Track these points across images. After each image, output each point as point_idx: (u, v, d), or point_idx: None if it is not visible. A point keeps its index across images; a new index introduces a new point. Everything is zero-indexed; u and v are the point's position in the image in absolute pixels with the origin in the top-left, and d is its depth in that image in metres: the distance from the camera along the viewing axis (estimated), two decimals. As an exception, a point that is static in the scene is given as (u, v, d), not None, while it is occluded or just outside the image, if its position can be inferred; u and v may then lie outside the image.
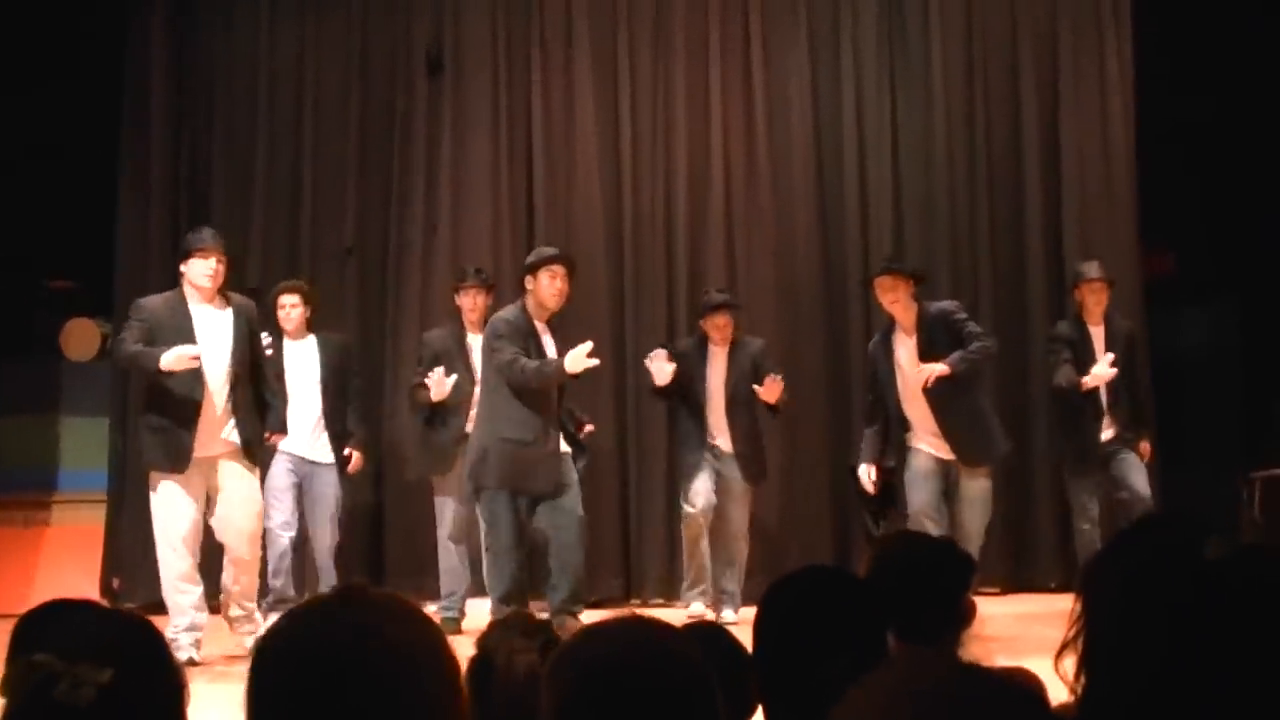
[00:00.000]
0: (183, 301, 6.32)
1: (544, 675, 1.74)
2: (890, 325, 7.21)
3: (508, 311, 6.72)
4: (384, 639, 1.51)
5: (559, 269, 6.62)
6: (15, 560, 8.36)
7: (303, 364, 7.51)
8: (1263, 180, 8.89)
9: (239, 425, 6.31)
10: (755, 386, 7.38)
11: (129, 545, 8.38)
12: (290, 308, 7.53)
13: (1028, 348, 8.70)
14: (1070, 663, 1.50)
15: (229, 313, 6.39)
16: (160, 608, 6.44)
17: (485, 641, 2.42)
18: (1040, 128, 8.89)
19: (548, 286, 6.58)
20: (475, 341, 7.37)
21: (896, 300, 7.06)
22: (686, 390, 7.50)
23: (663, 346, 7.58)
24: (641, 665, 1.67)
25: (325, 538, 7.48)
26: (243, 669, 1.59)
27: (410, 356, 8.54)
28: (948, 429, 6.94)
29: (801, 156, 8.89)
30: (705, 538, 7.42)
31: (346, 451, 7.54)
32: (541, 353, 6.58)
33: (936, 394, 6.88)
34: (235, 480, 6.30)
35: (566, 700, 1.68)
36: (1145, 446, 7.42)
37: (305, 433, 7.38)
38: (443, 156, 8.91)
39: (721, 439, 7.49)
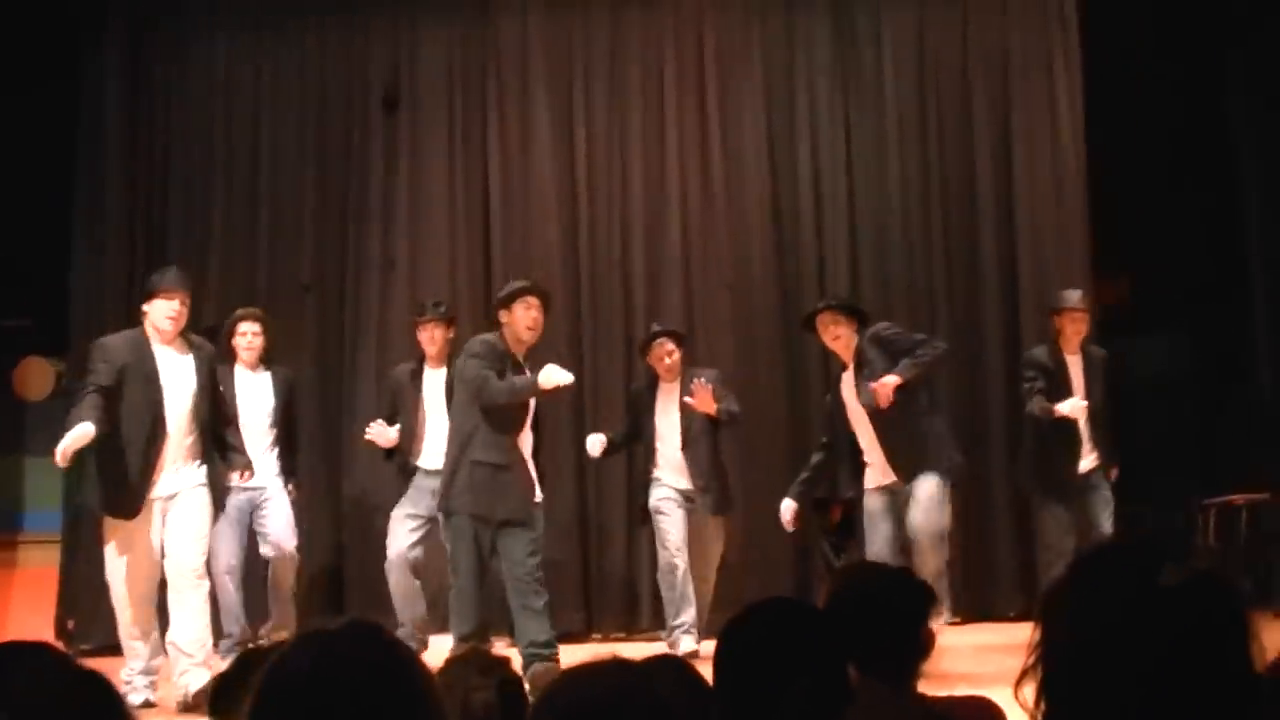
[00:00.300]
0: (146, 342, 6.19)
1: (530, 718, 1.75)
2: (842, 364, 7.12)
3: (487, 335, 6.64)
4: (397, 673, 1.53)
5: (533, 300, 6.56)
6: (-31, 602, 8.27)
7: (257, 396, 7.50)
8: (1215, 207, 9.01)
9: (201, 466, 6.21)
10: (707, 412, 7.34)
11: (84, 586, 8.27)
12: (252, 336, 7.52)
13: (984, 377, 8.76)
14: (1030, 690, 1.51)
15: (189, 356, 6.26)
16: (116, 649, 6.36)
17: (441, 678, 2.41)
18: (993, 158, 8.97)
19: (523, 317, 6.50)
20: (432, 376, 7.36)
21: (838, 337, 6.91)
22: (640, 434, 7.58)
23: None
24: (623, 711, 1.66)
25: (288, 541, 7.42)
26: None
27: (368, 392, 8.54)
28: (890, 450, 6.77)
29: (757, 192, 8.93)
30: (683, 573, 7.32)
31: (289, 486, 7.58)
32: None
33: (881, 416, 6.72)
34: (182, 513, 6.12)
35: None
36: (1114, 474, 7.38)
37: (255, 462, 7.08)
38: (399, 194, 8.91)
39: (680, 477, 7.46)
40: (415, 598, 7.30)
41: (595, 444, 7.59)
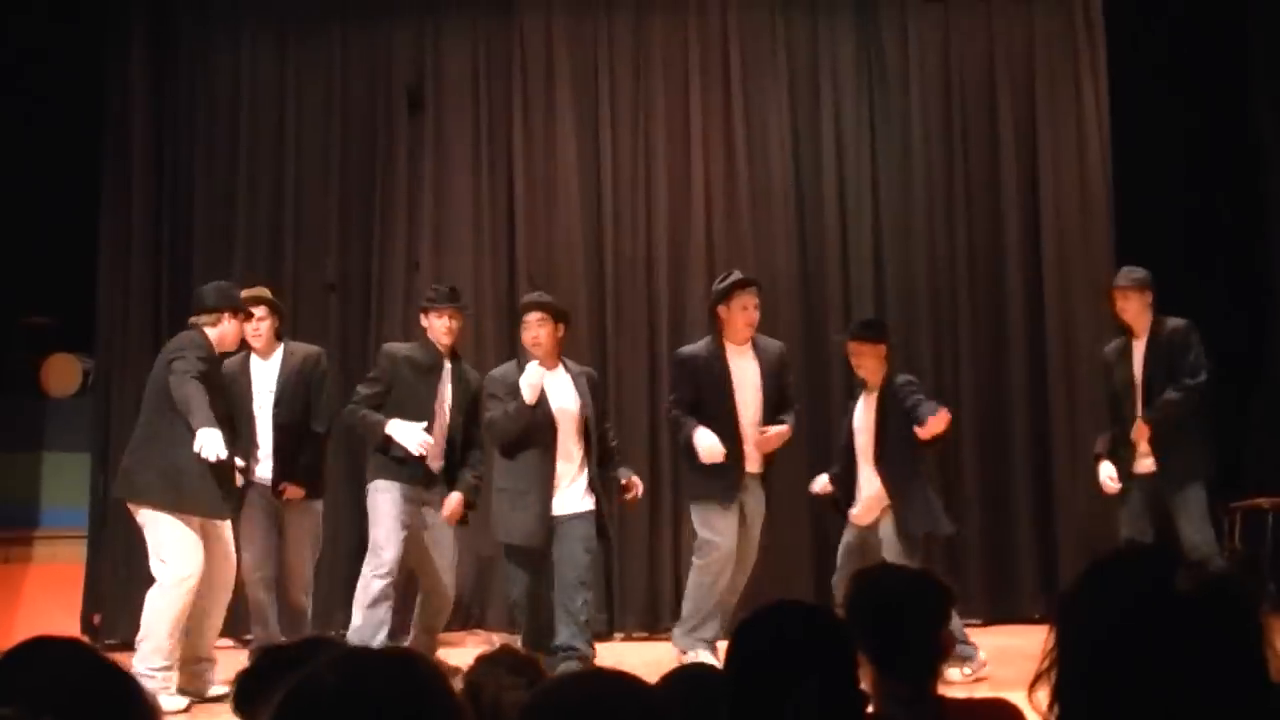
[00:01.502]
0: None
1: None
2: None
3: (496, 370, 7.00)
4: (426, 700, 1.54)
5: (529, 318, 6.80)
6: (-5, 597, 8.33)
7: (269, 381, 7.14)
8: (1238, 213, 8.96)
9: None
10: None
11: (110, 582, 8.34)
12: (257, 321, 7.03)
13: (1007, 379, 8.74)
14: (1044, 694, 1.52)
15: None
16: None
17: (473, 676, 2.43)
18: (1018, 160, 8.95)
19: (524, 336, 6.82)
20: (446, 373, 7.06)
21: (861, 365, 6.87)
22: (703, 407, 6.92)
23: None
24: (608, 716, 1.66)
25: (305, 561, 7.13)
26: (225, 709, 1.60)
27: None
28: (893, 499, 6.69)
29: (781, 192, 8.92)
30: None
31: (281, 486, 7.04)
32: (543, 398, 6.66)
33: (889, 454, 6.71)
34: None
35: None
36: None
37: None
38: (424, 193, 8.93)
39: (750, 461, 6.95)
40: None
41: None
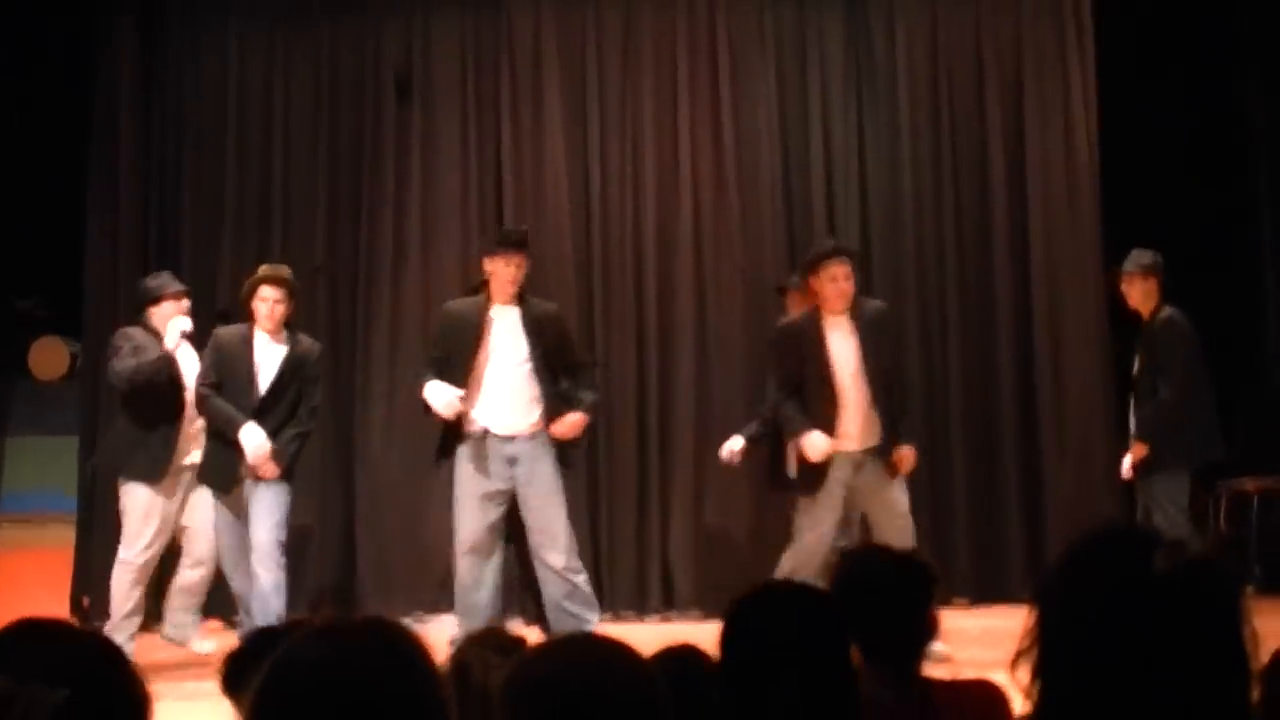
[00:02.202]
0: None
1: (498, 696, 1.75)
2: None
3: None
4: (407, 671, 1.55)
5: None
6: (-17, 580, 8.33)
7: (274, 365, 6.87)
8: (1228, 197, 8.98)
9: None
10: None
11: (99, 565, 8.34)
12: (274, 303, 6.65)
13: (995, 365, 8.77)
14: (1025, 671, 1.53)
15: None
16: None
17: (461, 656, 2.43)
18: (1006, 149, 8.95)
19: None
20: (504, 315, 6.61)
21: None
22: (802, 382, 6.59)
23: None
24: (593, 684, 1.67)
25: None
26: (212, 685, 1.61)
27: (381, 376, 8.61)
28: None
29: (769, 183, 8.92)
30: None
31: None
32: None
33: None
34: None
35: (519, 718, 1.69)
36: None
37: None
38: (412, 179, 8.92)
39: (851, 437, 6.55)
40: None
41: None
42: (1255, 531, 8.57)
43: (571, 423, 6.55)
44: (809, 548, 6.49)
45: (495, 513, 6.45)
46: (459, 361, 6.47)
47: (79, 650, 1.78)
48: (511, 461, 6.46)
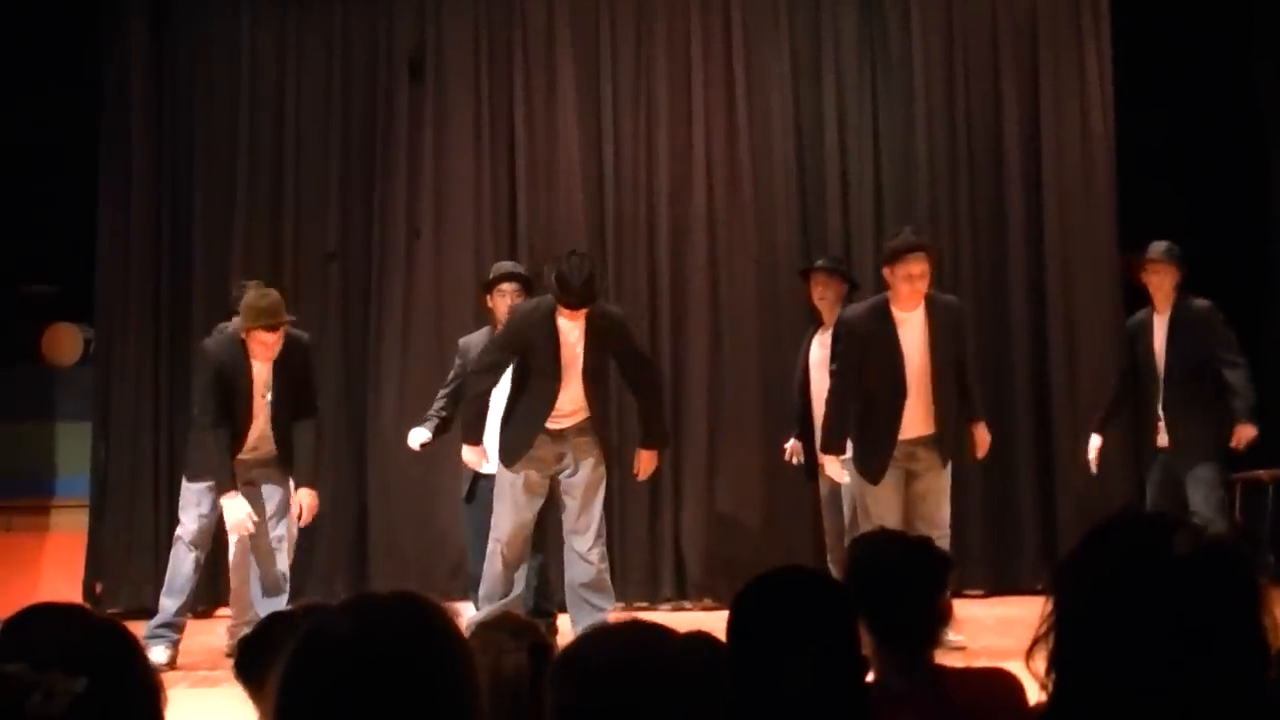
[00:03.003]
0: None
1: (548, 677, 1.76)
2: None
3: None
4: (436, 642, 1.58)
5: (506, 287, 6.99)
6: (-4, 565, 8.35)
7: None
8: (1243, 184, 8.94)
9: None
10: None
11: (111, 551, 8.38)
12: (273, 345, 6.56)
13: (1009, 354, 8.74)
14: (1041, 661, 1.52)
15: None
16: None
17: (474, 641, 2.44)
18: (1021, 134, 8.92)
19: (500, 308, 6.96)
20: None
21: (824, 298, 7.18)
22: (875, 372, 6.56)
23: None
24: (644, 670, 1.68)
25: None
26: (226, 673, 1.62)
27: (393, 361, 8.62)
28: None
29: (783, 166, 8.90)
30: None
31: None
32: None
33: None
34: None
35: (568, 704, 1.70)
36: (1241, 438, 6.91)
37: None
38: (425, 162, 8.91)
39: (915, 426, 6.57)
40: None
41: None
42: (1270, 521, 8.54)
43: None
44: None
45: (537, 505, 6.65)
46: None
47: (93, 636, 1.78)
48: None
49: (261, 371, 6.58)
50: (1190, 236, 8.30)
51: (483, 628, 2.51)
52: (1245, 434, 6.82)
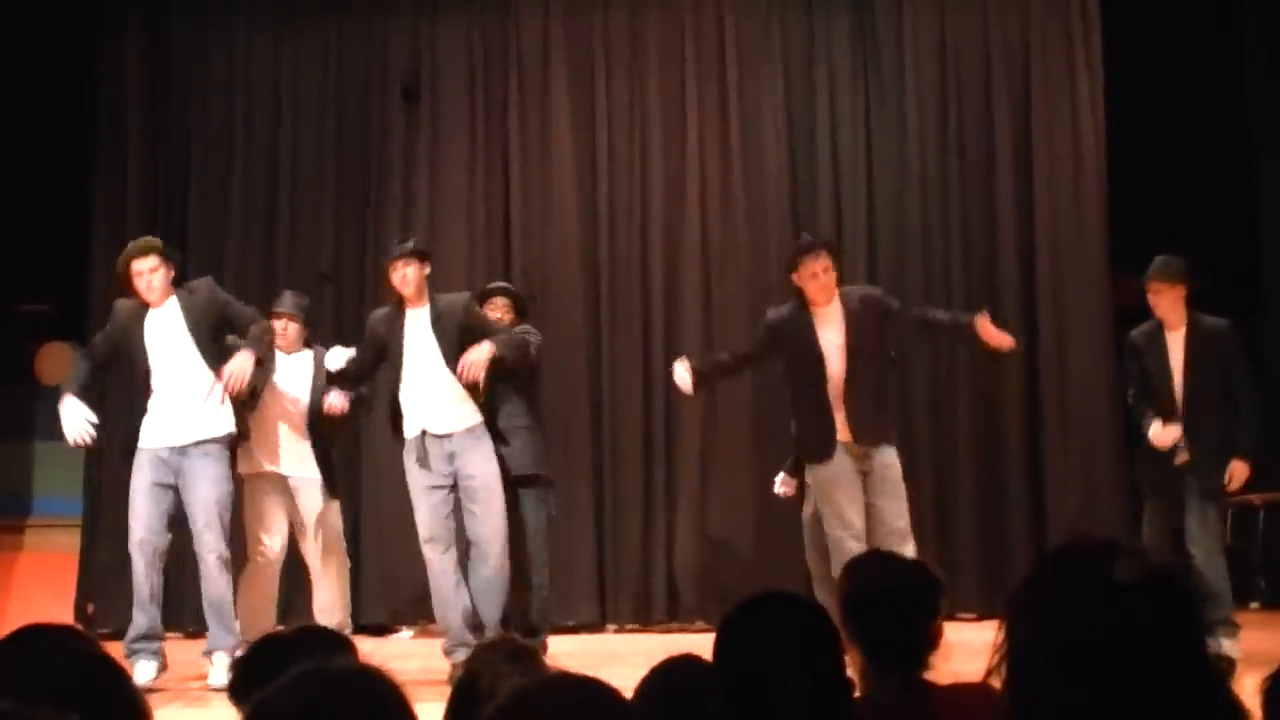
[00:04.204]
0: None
1: None
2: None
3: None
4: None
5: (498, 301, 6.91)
6: (-12, 585, 8.33)
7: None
8: (1234, 206, 8.98)
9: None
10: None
11: (103, 571, 8.35)
12: (149, 273, 6.34)
13: (1002, 374, 8.74)
14: (995, 684, 1.55)
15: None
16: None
17: (472, 664, 2.45)
18: (1013, 154, 8.95)
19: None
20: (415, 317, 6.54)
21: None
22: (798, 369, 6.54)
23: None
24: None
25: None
26: (218, 695, 1.62)
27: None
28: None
29: (776, 186, 8.93)
30: None
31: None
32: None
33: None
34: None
35: None
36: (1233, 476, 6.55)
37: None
38: (419, 183, 8.94)
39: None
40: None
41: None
42: (1261, 545, 8.56)
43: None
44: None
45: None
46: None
47: (82, 666, 1.78)
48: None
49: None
50: (1180, 256, 8.32)
51: (481, 650, 2.51)
52: (1241, 473, 6.55)
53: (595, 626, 8.34)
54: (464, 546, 6.35)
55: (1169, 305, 6.62)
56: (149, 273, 6.33)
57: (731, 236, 8.89)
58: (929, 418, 8.65)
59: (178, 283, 6.48)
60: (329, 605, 6.83)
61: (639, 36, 9.06)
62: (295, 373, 6.86)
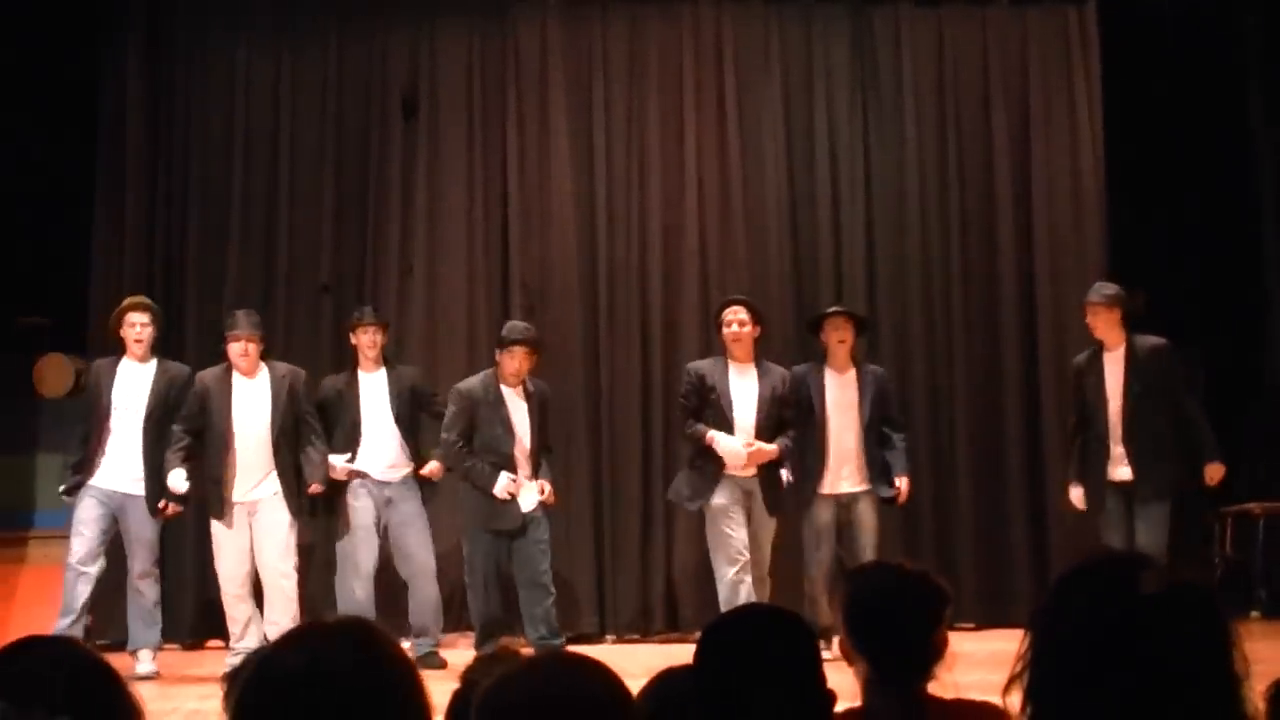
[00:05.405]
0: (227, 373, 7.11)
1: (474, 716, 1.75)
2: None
3: (471, 380, 7.32)
4: (386, 672, 1.56)
5: (518, 350, 7.14)
6: (-11, 598, 8.31)
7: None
8: (1232, 220, 8.98)
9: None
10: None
11: (101, 583, 8.31)
12: (141, 327, 7.19)
13: (1000, 385, 8.77)
14: (1016, 696, 1.54)
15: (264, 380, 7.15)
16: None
17: (469, 673, 2.44)
18: (1012, 169, 8.97)
19: (507, 366, 7.15)
20: (370, 381, 7.52)
21: (844, 340, 7.33)
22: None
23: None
24: (561, 708, 1.67)
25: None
26: (215, 705, 1.63)
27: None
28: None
29: (775, 198, 8.94)
30: None
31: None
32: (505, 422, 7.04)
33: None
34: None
35: None
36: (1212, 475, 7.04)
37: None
38: (418, 198, 8.93)
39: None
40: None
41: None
42: (1260, 555, 8.55)
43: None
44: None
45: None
46: None
47: (78, 672, 1.78)
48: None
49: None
50: (1181, 269, 8.34)
51: (479, 660, 2.51)
52: (1217, 473, 6.99)
53: (595, 637, 8.32)
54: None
55: (1105, 327, 7.08)
56: (140, 326, 7.14)
57: (730, 245, 8.89)
58: (928, 423, 8.65)
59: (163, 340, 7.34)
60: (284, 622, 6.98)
61: (637, 48, 9.07)
62: (256, 394, 7.07)
